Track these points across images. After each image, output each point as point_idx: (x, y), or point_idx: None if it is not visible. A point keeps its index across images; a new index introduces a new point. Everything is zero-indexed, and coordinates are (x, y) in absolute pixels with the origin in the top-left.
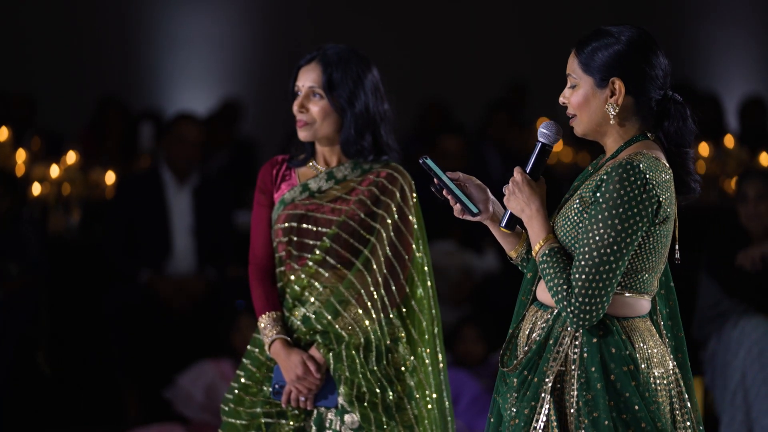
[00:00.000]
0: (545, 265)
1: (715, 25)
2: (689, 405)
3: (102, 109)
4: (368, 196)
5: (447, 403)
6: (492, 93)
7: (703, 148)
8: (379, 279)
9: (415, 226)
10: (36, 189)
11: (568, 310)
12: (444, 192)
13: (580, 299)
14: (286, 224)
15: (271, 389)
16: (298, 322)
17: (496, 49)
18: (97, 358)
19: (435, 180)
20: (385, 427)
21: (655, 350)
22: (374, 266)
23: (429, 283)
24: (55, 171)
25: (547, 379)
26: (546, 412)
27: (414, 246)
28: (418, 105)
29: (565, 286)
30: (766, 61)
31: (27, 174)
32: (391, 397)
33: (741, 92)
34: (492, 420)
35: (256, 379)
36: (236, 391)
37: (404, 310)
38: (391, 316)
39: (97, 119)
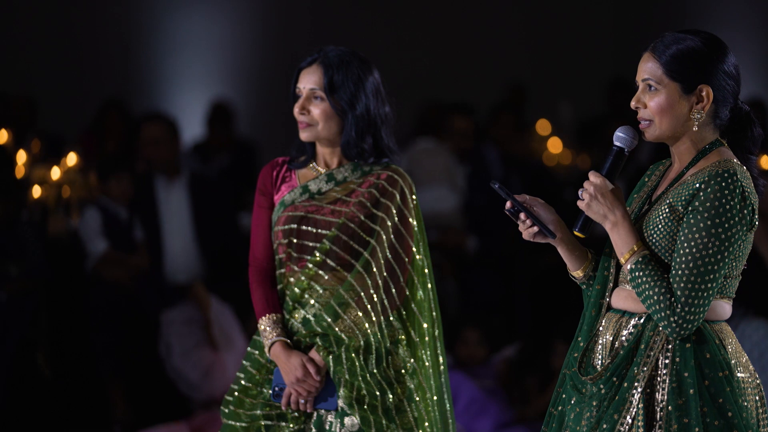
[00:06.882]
0: (639, 273)
1: (714, 28)
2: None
3: (102, 112)
4: (368, 198)
5: (448, 405)
6: (492, 95)
7: None
8: (379, 281)
9: (416, 229)
10: (36, 191)
11: (672, 319)
12: (522, 215)
13: (687, 308)
14: (286, 226)
15: (271, 391)
16: (298, 325)
17: (496, 50)
18: (96, 359)
19: (508, 203)
20: (385, 429)
21: (741, 354)
22: (374, 269)
23: (429, 286)
24: (55, 173)
25: (637, 384)
26: (634, 413)
27: (414, 248)
28: (419, 107)
29: (668, 295)
30: (766, 63)
31: (27, 176)
32: (391, 400)
33: (741, 95)
34: None
35: (255, 381)
36: (236, 393)
37: (404, 312)
38: (391, 318)
39: (98, 121)
